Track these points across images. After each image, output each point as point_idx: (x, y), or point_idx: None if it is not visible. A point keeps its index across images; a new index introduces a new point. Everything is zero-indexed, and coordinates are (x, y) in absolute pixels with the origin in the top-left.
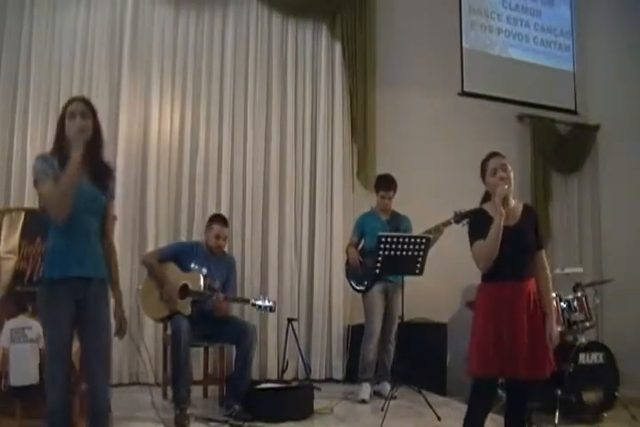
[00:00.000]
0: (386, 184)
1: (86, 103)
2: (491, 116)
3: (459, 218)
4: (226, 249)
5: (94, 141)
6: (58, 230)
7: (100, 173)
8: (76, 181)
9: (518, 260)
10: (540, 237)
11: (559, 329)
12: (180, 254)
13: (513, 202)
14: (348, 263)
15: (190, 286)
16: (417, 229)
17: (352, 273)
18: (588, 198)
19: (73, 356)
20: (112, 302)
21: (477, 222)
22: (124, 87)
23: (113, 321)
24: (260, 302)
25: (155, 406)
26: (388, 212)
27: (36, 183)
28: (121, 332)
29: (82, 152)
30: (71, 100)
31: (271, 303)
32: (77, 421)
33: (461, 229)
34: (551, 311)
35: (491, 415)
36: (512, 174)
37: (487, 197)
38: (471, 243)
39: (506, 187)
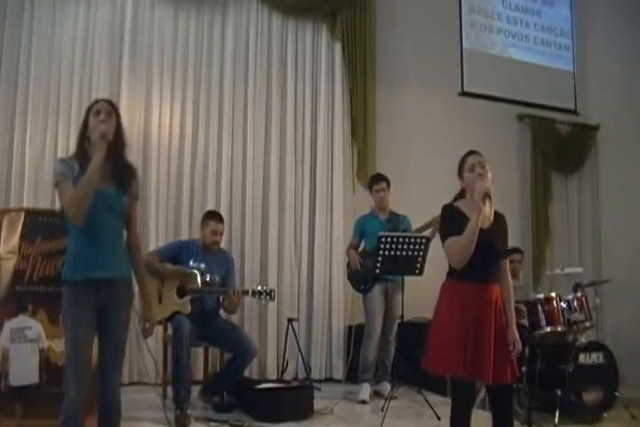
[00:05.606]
0: (376, 178)
1: (111, 104)
2: (491, 116)
3: None
4: (223, 246)
5: (116, 142)
6: (79, 232)
7: (122, 174)
8: (95, 184)
9: (487, 263)
10: (506, 247)
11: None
12: (178, 254)
13: (488, 205)
14: (348, 266)
15: (188, 284)
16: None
17: (353, 275)
18: (588, 198)
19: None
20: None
21: (450, 218)
22: (123, 87)
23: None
24: (259, 288)
25: (155, 406)
26: (387, 210)
27: (55, 185)
28: (147, 332)
29: (103, 155)
30: (96, 101)
31: (269, 289)
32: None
33: None
34: (512, 319)
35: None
36: (490, 175)
37: (460, 196)
38: (444, 238)
39: (486, 184)
